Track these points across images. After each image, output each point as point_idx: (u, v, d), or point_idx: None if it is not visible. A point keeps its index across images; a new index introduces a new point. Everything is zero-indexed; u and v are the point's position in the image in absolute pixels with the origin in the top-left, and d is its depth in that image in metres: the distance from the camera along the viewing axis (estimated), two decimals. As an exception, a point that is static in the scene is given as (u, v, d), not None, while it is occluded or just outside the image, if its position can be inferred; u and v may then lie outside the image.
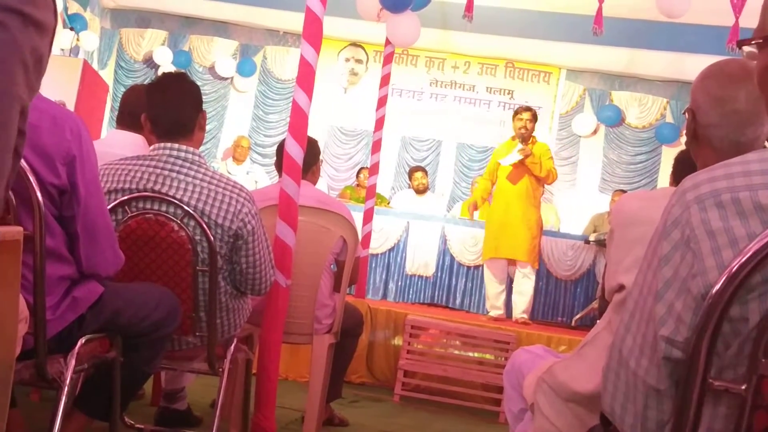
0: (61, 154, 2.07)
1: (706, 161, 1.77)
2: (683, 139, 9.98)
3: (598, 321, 2.03)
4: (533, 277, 6.76)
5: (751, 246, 1.04)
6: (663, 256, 1.14)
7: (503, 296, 6.82)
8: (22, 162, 1.97)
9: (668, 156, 10.15)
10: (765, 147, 1.78)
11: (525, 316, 6.61)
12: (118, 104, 3.73)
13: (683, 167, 2.47)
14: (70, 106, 7.78)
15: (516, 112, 6.68)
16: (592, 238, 7.61)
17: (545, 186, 6.92)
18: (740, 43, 1.29)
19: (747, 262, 1.04)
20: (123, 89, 9.20)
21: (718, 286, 1.05)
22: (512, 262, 6.79)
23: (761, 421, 1.05)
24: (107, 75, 10.73)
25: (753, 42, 1.24)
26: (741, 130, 1.77)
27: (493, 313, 6.69)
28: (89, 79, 8.44)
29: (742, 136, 1.77)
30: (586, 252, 7.68)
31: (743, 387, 1.07)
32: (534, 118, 6.65)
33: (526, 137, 6.52)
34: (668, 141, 10.40)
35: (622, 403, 1.22)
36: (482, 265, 7.87)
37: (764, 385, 1.04)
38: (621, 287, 1.82)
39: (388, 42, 6.54)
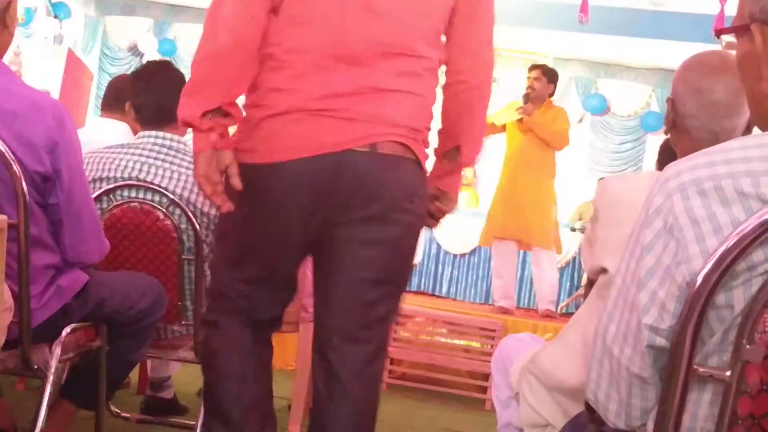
0: (44, 141, 2.06)
1: (684, 150, 1.79)
2: (668, 127, 10.00)
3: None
4: (553, 261, 6.17)
5: (735, 232, 1.04)
6: (645, 244, 1.14)
7: (513, 285, 6.33)
8: (5, 150, 1.96)
9: (653, 144, 10.17)
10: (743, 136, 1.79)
11: (551, 307, 6.12)
12: (103, 92, 3.72)
13: (668, 155, 2.48)
14: (55, 94, 7.74)
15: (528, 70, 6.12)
16: (577, 225, 7.63)
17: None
18: (719, 32, 1.29)
19: (732, 249, 1.04)
20: (108, 77, 9.16)
21: (703, 274, 1.06)
22: (526, 245, 6.18)
23: (746, 406, 1.05)
24: (91, 63, 10.66)
25: (731, 30, 1.25)
26: (718, 121, 1.79)
27: (502, 303, 6.13)
28: (74, 67, 8.38)
29: (719, 126, 1.79)
30: (572, 240, 7.70)
31: (728, 373, 1.07)
32: (544, 75, 5.95)
33: (530, 98, 5.85)
34: (653, 129, 10.41)
35: (606, 391, 1.23)
36: (468, 254, 7.84)
37: (748, 371, 1.05)
38: (604, 270, 1.83)
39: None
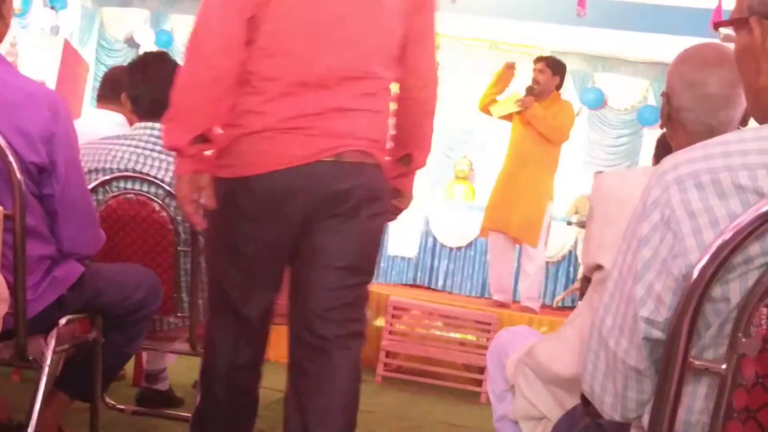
0: (39, 132, 2.05)
1: (680, 143, 1.80)
2: (664, 121, 9.97)
3: (579, 303, 2.04)
4: (536, 259, 6.01)
5: (732, 226, 1.04)
6: (642, 237, 1.14)
7: (509, 278, 6.19)
8: (1, 140, 1.96)
9: (650, 138, 10.16)
10: (740, 129, 1.80)
11: (528, 304, 5.98)
12: (99, 83, 3.71)
13: (665, 149, 2.48)
14: (51, 85, 7.71)
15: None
16: (573, 219, 7.63)
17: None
18: (717, 25, 1.29)
19: (728, 242, 1.04)
20: (104, 69, 9.12)
21: (699, 266, 1.06)
22: (516, 239, 6.00)
23: (741, 399, 1.05)
24: (88, 54, 10.62)
25: (730, 23, 1.25)
26: (713, 113, 1.79)
27: (497, 297, 6.08)
28: (70, 58, 8.36)
29: (714, 119, 1.79)
30: (567, 233, 7.70)
31: (723, 366, 1.07)
32: (549, 68, 5.79)
33: (534, 91, 5.72)
34: (650, 123, 10.40)
35: (602, 383, 1.23)
36: (464, 247, 7.83)
37: (744, 365, 1.05)
38: (599, 267, 1.83)
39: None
